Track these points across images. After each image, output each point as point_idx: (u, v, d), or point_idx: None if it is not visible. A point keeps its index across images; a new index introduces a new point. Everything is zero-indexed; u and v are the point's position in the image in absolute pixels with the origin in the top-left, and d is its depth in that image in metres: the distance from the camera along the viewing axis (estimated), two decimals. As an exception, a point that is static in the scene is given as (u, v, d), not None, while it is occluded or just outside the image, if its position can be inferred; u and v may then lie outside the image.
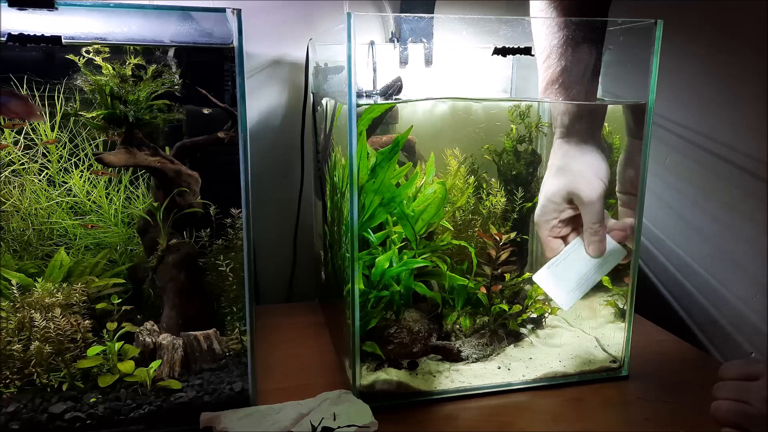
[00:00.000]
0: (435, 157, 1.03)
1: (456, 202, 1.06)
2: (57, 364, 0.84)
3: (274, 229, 1.33)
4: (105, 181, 1.01)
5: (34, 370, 0.82)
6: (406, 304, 0.98)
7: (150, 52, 0.91)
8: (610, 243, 0.91)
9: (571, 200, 0.89)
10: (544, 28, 0.88)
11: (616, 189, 0.94)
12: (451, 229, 1.03)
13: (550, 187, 0.91)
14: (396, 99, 0.98)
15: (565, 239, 0.93)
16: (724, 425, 0.66)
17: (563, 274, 0.91)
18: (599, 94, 0.93)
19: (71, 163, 0.99)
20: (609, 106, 0.98)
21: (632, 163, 0.92)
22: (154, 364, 0.84)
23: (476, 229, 1.06)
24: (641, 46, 0.87)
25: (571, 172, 0.89)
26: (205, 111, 0.94)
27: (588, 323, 1.10)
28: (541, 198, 0.92)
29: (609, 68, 0.93)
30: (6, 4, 0.69)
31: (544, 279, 0.92)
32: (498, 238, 0.99)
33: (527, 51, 0.83)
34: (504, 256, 1.00)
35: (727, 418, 0.66)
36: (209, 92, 0.92)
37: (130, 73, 0.88)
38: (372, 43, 1.06)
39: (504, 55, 0.82)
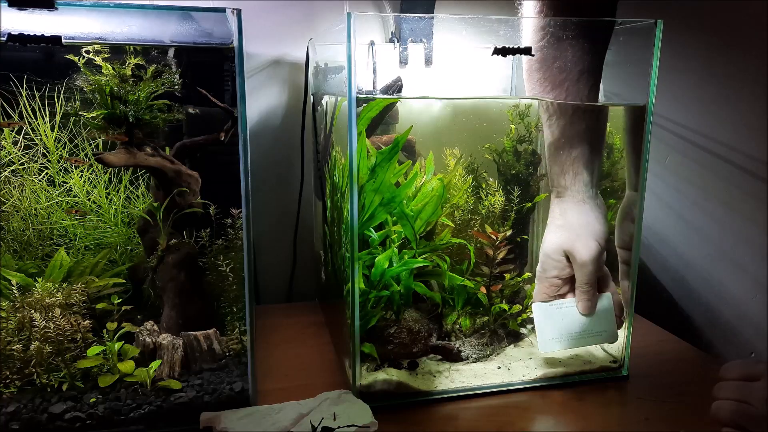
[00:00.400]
0: (435, 156, 1.03)
1: (454, 199, 1.06)
2: (57, 364, 0.84)
3: (274, 229, 1.33)
4: (105, 181, 1.01)
5: (34, 370, 0.82)
6: (406, 304, 0.98)
7: (150, 52, 0.90)
8: (607, 313, 0.94)
9: (568, 258, 0.92)
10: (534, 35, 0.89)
11: (616, 244, 0.96)
12: (451, 225, 1.03)
13: (550, 243, 0.93)
14: (394, 96, 0.98)
15: (563, 297, 0.96)
16: (725, 425, 0.66)
17: (555, 320, 0.95)
18: (600, 94, 0.94)
19: (71, 163, 0.98)
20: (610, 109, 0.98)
21: (631, 216, 0.93)
22: (154, 364, 0.84)
23: (474, 229, 1.06)
24: (641, 46, 0.87)
25: (569, 230, 0.92)
26: (192, 110, 0.94)
27: (588, 323, 1.10)
28: (541, 254, 0.95)
29: (609, 68, 0.93)
30: (6, 4, 0.69)
31: (539, 313, 0.95)
32: (494, 237, 0.99)
33: (527, 51, 0.83)
34: (501, 254, 1.00)
35: (728, 419, 0.66)
36: (209, 92, 0.92)
37: (130, 73, 0.88)
38: (372, 43, 1.06)
39: (504, 55, 0.82)
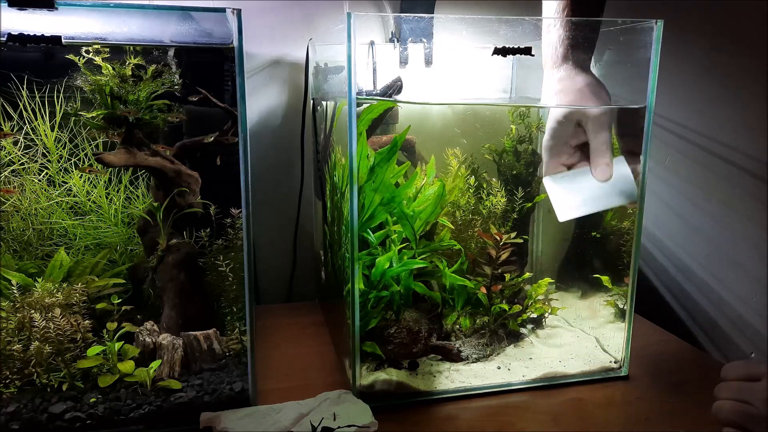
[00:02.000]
0: (435, 156, 1.03)
1: (455, 200, 1.06)
2: (57, 364, 0.84)
3: (274, 229, 1.33)
4: (105, 181, 1.01)
5: (34, 370, 0.82)
6: (406, 304, 0.98)
7: (150, 52, 0.90)
8: (624, 177, 0.89)
9: (579, 123, 0.88)
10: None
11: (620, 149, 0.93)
12: (451, 227, 1.03)
13: (558, 109, 0.89)
14: (396, 100, 0.98)
15: (572, 168, 0.92)
16: (726, 425, 0.66)
17: (571, 187, 0.90)
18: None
19: (71, 163, 0.98)
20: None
21: (627, 125, 0.91)
22: (154, 364, 0.84)
23: (476, 229, 1.06)
24: (641, 46, 0.87)
25: (572, 92, 0.87)
26: (192, 98, 0.93)
27: (588, 323, 1.10)
28: (550, 121, 0.90)
29: (609, 68, 0.93)
30: (6, 4, 0.69)
31: (552, 185, 0.91)
32: (498, 238, 0.99)
33: (527, 51, 0.83)
34: (504, 255, 1.00)
35: (729, 419, 0.66)
36: (209, 92, 0.92)
37: (130, 73, 0.88)
38: (372, 43, 1.06)
39: (504, 55, 0.82)
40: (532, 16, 0.90)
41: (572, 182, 0.91)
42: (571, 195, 0.90)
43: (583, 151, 0.91)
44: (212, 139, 0.93)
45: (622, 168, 0.90)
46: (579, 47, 0.89)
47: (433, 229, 1.03)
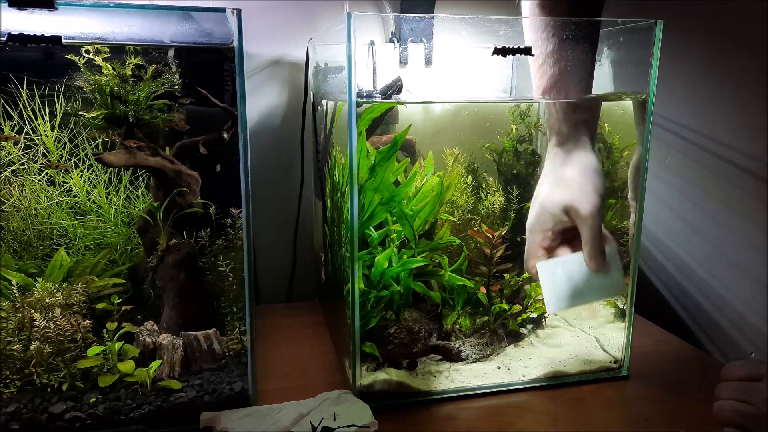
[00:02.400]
0: (435, 156, 1.03)
1: (454, 199, 1.06)
2: (57, 364, 0.84)
3: (274, 229, 1.33)
4: (105, 181, 1.01)
5: (34, 370, 0.82)
6: (405, 304, 0.98)
7: (150, 52, 0.90)
8: (614, 271, 0.90)
9: (568, 212, 0.89)
10: (535, 34, 0.88)
11: (629, 196, 0.94)
12: (453, 219, 1.03)
13: (547, 197, 0.90)
14: (396, 99, 0.97)
15: (553, 251, 0.92)
16: (727, 425, 0.66)
17: (563, 276, 0.91)
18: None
19: (71, 163, 0.98)
20: (607, 106, 0.98)
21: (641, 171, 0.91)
22: (154, 364, 0.84)
23: (473, 229, 1.06)
24: (641, 46, 0.87)
25: (569, 184, 0.88)
26: (185, 102, 0.94)
27: (588, 323, 1.10)
28: (536, 206, 0.91)
29: (609, 68, 0.93)
30: (6, 4, 0.69)
31: (545, 273, 0.91)
32: (490, 236, 0.99)
33: (527, 51, 0.83)
34: (499, 253, 0.99)
35: (730, 419, 0.66)
36: (209, 92, 0.92)
37: (130, 73, 0.88)
38: (372, 43, 1.06)
39: (504, 55, 0.82)
40: (532, 16, 0.90)
41: (562, 271, 0.91)
42: (562, 285, 0.91)
43: (565, 235, 0.92)
44: (205, 151, 0.94)
45: (613, 261, 0.90)
46: (584, 126, 0.89)
47: (432, 228, 1.03)
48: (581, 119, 0.88)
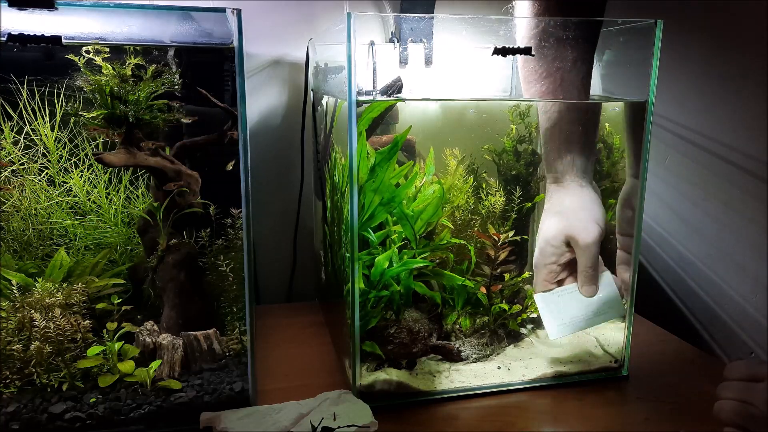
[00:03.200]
0: (435, 156, 1.03)
1: (455, 201, 1.06)
2: (57, 364, 0.84)
3: (274, 229, 1.33)
4: (105, 181, 1.01)
5: (34, 370, 0.82)
6: (406, 304, 0.98)
7: (150, 52, 0.90)
8: (612, 296, 0.94)
9: (568, 243, 0.92)
10: (529, 33, 0.88)
11: (616, 231, 0.96)
12: (451, 227, 1.03)
13: (548, 230, 0.93)
14: (399, 98, 0.98)
15: (561, 284, 0.96)
16: (727, 425, 0.66)
17: (560, 305, 0.95)
18: (598, 88, 0.94)
19: (71, 163, 0.98)
20: (608, 106, 0.98)
21: (630, 204, 0.93)
22: (154, 364, 0.84)
23: (475, 229, 1.06)
24: (641, 46, 0.87)
25: (568, 216, 0.91)
26: (182, 113, 0.94)
27: (588, 323, 1.10)
28: (540, 241, 0.95)
29: (609, 69, 0.93)
30: (6, 4, 0.69)
31: (542, 303, 0.96)
32: (496, 238, 0.99)
33: (527, 51, 0.83)
34: (503, 255, 1.00)
35: (730, 419, 0.66)
36: (209, 92, 0.92)
37: (130, 73, 0.88)
38: (372, 43, 1.06)
39: (504, 55, 0.82)
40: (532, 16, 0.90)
41: (560, 301, 0.95)
42: (561, 313, 0.95)
43: (572, 267, 0.95)
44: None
45: (606, 281, 0.94)
46: (579, 160, 0.92)
47: (434, 230, 1.03)
48: (576, 155, 0.91)
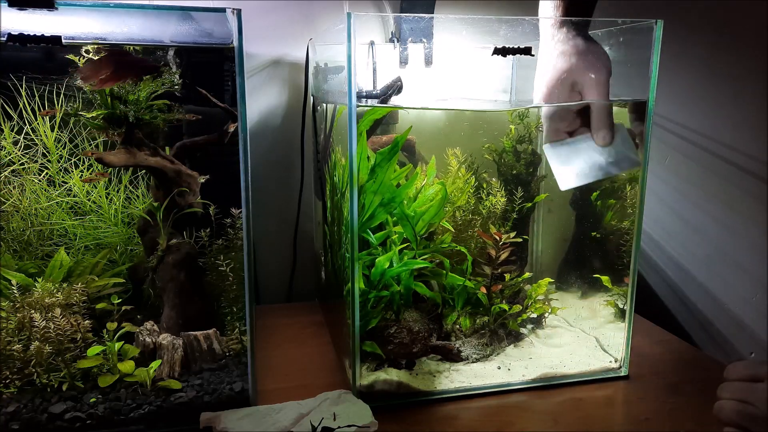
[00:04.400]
0: (435, 157, 1.03)
1: (456, 201, 1.06)
2: (57, 364, 0.84)
3: (274, 229, 1.33)
4: (105, 181, 1.01)
5: (34, 370, 0.82)
6: (406, 304, 0.98)
7: (150, 52, 0.90)
8: (626, 144, 0.88)
9: (573, 86, 0.86)
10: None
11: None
12: (451, 230, 1.03)
13: (557, 71, 0.86)
14: (395, 105, 0.98)
15: (572, 135, 0.90)
16: (727, 425, 0.66)
17: (572, 155, 0.90)
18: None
19: (71, 163, 0.99)
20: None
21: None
22: (154, 364, 0.84)
23: (476, 229, 1.06)
24: (641, 46, 0.87)
25: (576, 56, 0.85)
26: (184, 113, 0.94)
27: (588, 323, 1.10)
28: (542, 87, 0.88)
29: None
30: (6, 4, 0.69)
31: (553, 153, 0.90)
32: (498, 238, 0.99)
33: (527, 51, 0.83)
34: (504, 255, 1.00)
35: (731, 419, 0.66)
36: (209, 92, 0.92)
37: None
38: (372, 43, 1.06)
39: (504, 55, 0.82)
40: (532, 16, 0.90)
41: (573, 150, 0.89)
42: (573, 163, 0.89)
43: (584, 118, 0.89)
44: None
45: (623, 135, 0.88)
46: (578, 11, 0.86)
47: (434, 231, 1.03)
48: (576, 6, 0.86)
